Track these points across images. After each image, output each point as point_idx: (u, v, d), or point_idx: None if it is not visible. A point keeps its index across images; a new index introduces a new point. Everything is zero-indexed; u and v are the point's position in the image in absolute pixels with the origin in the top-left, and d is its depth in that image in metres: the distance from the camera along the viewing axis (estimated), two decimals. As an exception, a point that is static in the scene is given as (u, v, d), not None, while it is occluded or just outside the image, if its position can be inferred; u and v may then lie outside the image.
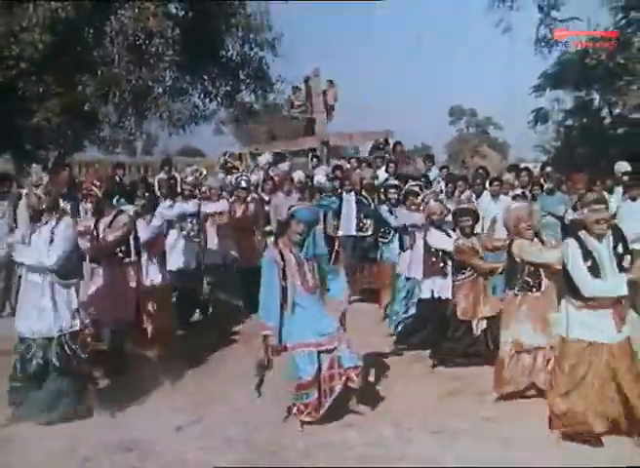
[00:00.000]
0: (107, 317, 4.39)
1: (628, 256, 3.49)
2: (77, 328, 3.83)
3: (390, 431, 3.74)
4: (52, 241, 3.71)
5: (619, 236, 3.55)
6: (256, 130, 19.00)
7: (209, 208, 6.40)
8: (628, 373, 3.44)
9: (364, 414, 3.95)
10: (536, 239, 4.28)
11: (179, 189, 7.00)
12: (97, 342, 4.24)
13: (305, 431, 3.70)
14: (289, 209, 4.02)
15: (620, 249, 3.48)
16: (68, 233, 3.77)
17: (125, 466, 3.34)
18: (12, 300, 6.57)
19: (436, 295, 5.22)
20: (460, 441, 3.61)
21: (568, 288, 3.56)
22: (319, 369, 3.76)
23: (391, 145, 10.59)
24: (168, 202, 6.03)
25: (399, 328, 5.64)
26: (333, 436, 3.66)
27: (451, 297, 5.05)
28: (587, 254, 3.43)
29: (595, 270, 3.40)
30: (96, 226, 4.47)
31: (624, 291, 3.40)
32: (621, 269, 3.44)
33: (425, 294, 5.29)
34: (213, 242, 6.45)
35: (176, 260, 5.91)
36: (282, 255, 3.86)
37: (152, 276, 5.05)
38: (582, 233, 3.52)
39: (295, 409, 3.80)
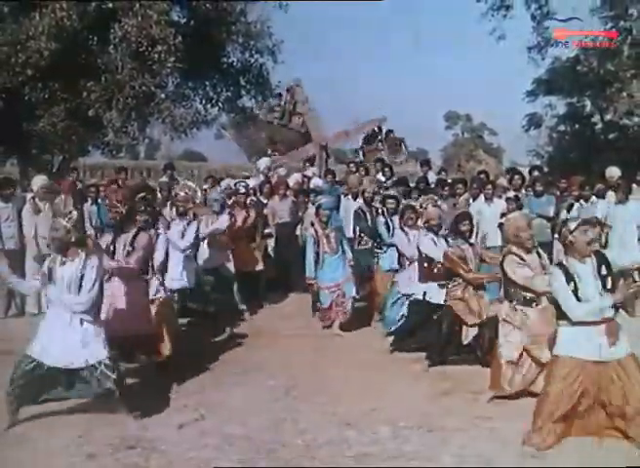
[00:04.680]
0: (126, 331, 4.31)
1: (610, 278, 3.51)
2: (107, 355, 3.76)
3: (387, 430, 3.76)
4: (81, 280, 3.65)
5: (601, 258, 3.55)
6: (256, 134, 19.13)
7: (209, 231, 6.23)
8: (619, 391, 3.42)
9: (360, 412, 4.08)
10: (534, 252, 4.27)
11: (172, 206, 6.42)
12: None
13: (305, 430, 3.81)
14: (314, 202, 6.55)
15: (603, 270, 3.48)
16: (97, 273, 3.70)
17: (128, 463, 3.36)
18: (17, 300, 6.70)
19: (428, 299, 5.23)
20: (456, 439, 3.63)
21: (557, 308, 3.63)
22: (332, 300, 6.01)
23: (384, 133, 10.69)
24: (178, 225, 5.77)
25: (392, 328, 5.66)
26: (332, 435, 3.70)
27: (442, 303, 5.04)
28: (570, 278, 3.49)
29: (577, 292, 3.45)
30: (114, 242, 4.46)
31: (610, 312, 3.45)
32: (606, 290, 3.44)
33: (418, 295, 5.33)
34: (207, 251, 6.33)
35: (179, 280, 5.62)
36: (316, 232, 6.05)
37: (158, 291, 4.86)
38: (565, 258, 3.59)
39: (322, 323, 6.13)
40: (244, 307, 6.55)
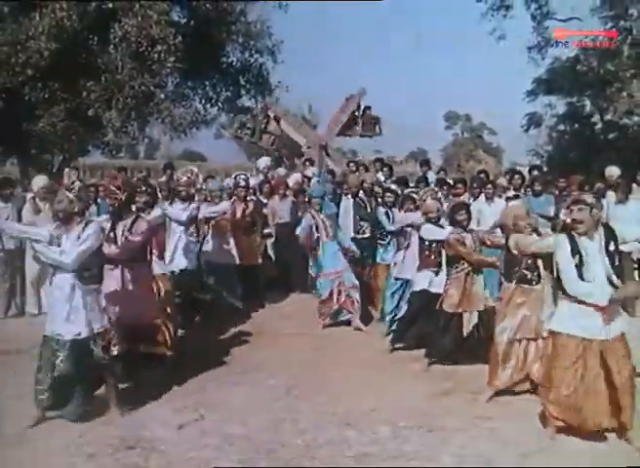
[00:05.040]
0: (130, 317, 4.30)
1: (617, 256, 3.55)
2: (106, 326, 3.86)
3: (387, 430, 3.78)
4: (79, 244, 3.69)
5: (610, 235, 3.56)
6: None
7: (209, 211, 6.31)
8: (620, 371, 3.45)
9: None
10: (534, 235, 4.29)
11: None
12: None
13: (305, 430, 3.81)
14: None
15: (611, 246, 3.52)
16: (93, 235, 3.75)
17: (128, 463, 3.38)
18: (17, 300, 6.70)
19: (427, 287, 5.22)
20: (456, 439, 3.64)
21: (557, 283, 3.65)
22: (332, 289, 6.08)
23: (361, 110, 10.76)
24: (180, 204, 5.87)
25: (393, 326, 5.68)
26: (332, 435, 3.72)
27: (441, 292, 5.01)
28: (576, 252, 3.50)
29: (581, 267, 3.47)
30: (113, 229, 4.37)
31: (606, 302, 3.43)
32: (612, 266, 3.49)
33: (417, 287, 5.33)
34: (210, 242, 6.50)
35: (179, 260, 5.80)
36: (314, 217, 6.25)
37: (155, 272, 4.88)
38: (575, 232, 3.58)
39: (321, 318, 6.16)
40: (239, 304, 6.55)
